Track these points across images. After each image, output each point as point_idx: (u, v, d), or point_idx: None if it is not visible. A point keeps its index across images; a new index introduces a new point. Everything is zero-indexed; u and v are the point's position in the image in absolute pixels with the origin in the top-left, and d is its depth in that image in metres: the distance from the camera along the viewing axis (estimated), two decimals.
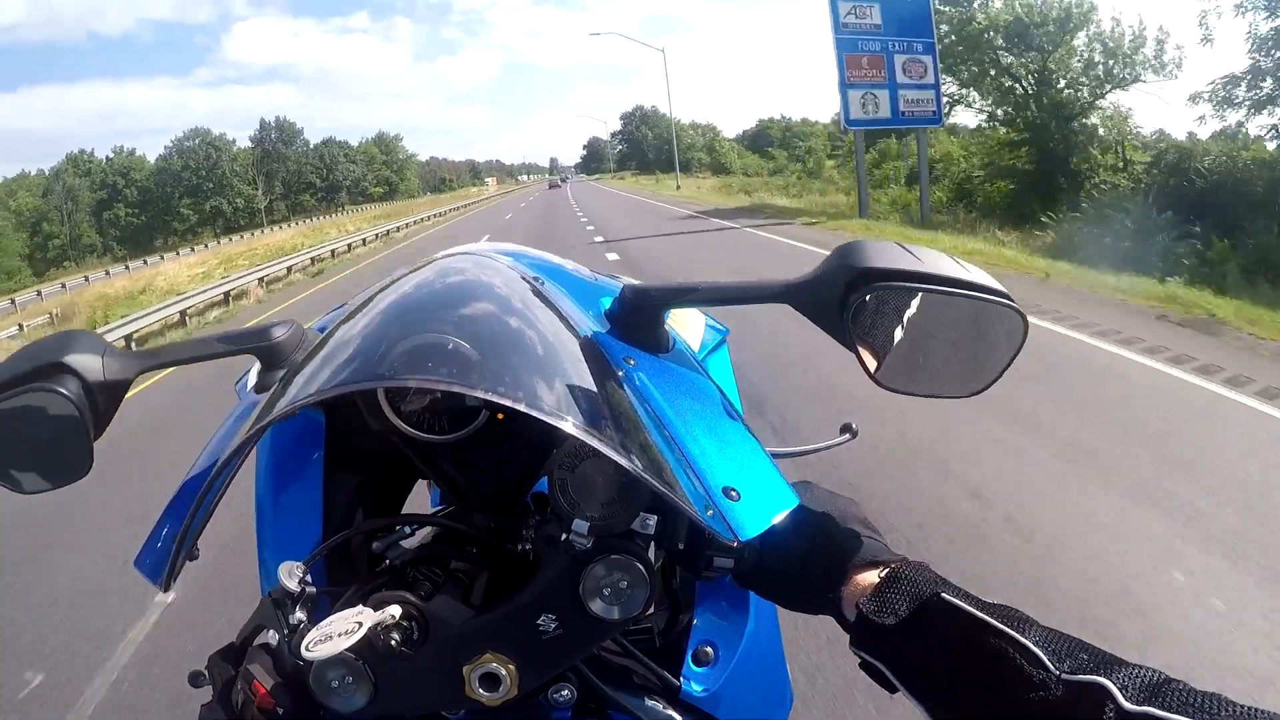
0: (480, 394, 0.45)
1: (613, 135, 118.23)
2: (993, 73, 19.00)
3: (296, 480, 0.67)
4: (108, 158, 67.84)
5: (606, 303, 0.63)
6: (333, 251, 18.75)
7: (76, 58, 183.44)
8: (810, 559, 0.52)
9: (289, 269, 15.85)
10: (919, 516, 2.78)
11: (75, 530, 3.55)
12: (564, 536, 0.48)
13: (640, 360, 0.57)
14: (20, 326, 13.86)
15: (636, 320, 0.60)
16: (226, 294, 12.75)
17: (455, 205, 45.34)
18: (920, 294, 0.50)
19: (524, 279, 0.63)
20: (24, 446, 0.56)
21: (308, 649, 0.44)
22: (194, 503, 0.52)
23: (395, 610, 0.47)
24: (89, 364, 0.54)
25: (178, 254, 34.69)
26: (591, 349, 0.55)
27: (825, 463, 2.97)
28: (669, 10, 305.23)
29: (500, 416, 0.58)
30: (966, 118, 21.07)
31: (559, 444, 0.49)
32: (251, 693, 0.49)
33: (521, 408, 0.45)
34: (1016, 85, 18.79)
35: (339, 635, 0.45)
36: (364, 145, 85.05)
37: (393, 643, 0.47)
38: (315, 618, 0.48)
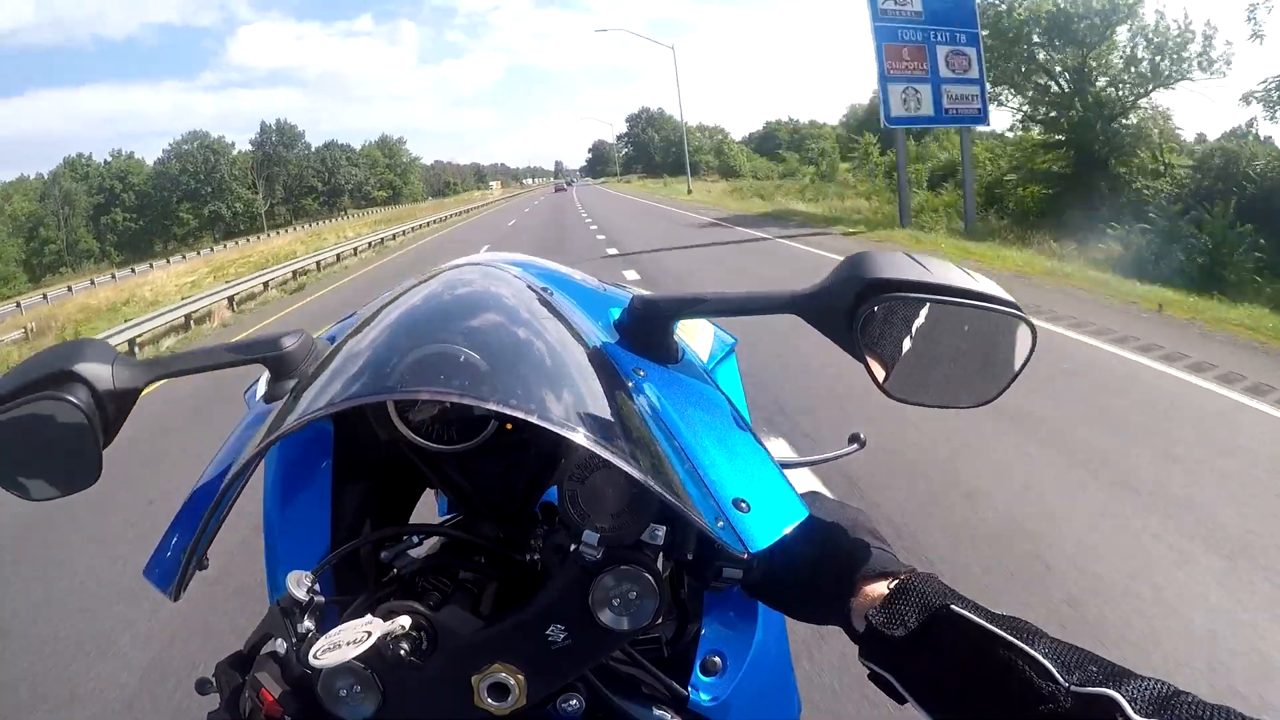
0: (491, 406, 0.46)
1: (618, 138, 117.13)
2: (1024, 69, 17.79)
3: (305, 489, 0.67)
4: (105, 161, 67.79)
5: (615, 313, 0.64)
6: (318, 264, 17.42)
7: (80, 61, 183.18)
8: (819, 570, 0.53)
9: (266, 284, 14.43)
10: None
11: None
12: (574, 547, 0.49)
13: (650, 371, 0.58)
14: None
15: (645, 331, 0.61)
16: (188, 316, 11.36)
17: (457, 210, 45.00)
18: (929, 304, 0.51)
19: (532, 289, 0.64)
20: (33, 454, 0.56)
21: (316, 657, 0.45)
22: (205, 513, 0.53)
23: (404, 620, 0.48)
24: (99, 372, 0.54)
25: (168, 262, 33.67)
26: (601, 359, 0.56)
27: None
28: (674, 13, 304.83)
29: (509, 426, 0.58)
30: (997, 119, 19.90)
31: (568, 454, 0.51)
32: (259, 700, 0.49)
33: (533, 419, 0.45)
34: (1052, 83, 17.64)
35: (348, 644, 0.45)
36: (366, 149, 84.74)
37: (401, 652, 0.48)
38: (323, 627, 0.49)
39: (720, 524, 0.47)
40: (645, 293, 0.64)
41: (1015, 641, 0.42)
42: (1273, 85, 14.31)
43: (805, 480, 2.67)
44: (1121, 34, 16.72)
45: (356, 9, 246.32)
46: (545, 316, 0.58)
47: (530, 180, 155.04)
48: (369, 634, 0.45)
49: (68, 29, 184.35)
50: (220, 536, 0.56)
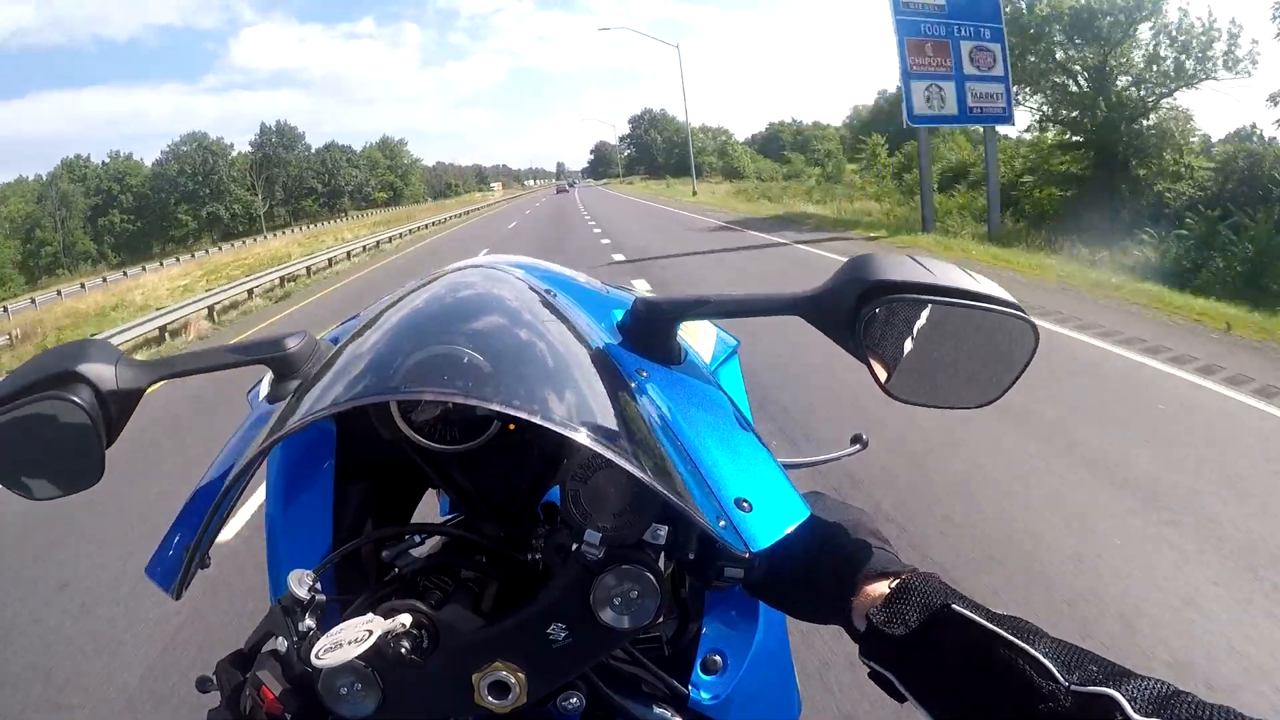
0: (495, 406, 0.46)
1: (621, 139, 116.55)
2: (1042, 67, 17.20)
3: (307, 489, 0.68)
4: (103, 163, 67.47)
5: (618, 315, 0.65)
6: (308, 269, 16.82)
7: (82, 63, 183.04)
8: (820, 569, 0.53)
9: (250, 292, 13.69)
10: None
11: None
12: (575, 546, 0.49)
13: (652, 372, 0.59)
14: None
15: (648, 332, 0.61)
16: (162, 329, 10.57)
17: (457, 211, 44.81)
18: (930, 305, 0.51)
19: (535, 291, 0.64)
20: (36, 453, 0.57)
21: (317, 656, 0.45)
22: (208, 512, 0.54)
23: (406, 619, 0.49)
24: (102, 372, 0.55)
25: (160, 265, 33.06)
26: (604, 360, 0.57)
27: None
28: (676, 14, 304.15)
29: (512, 427, 0.59)
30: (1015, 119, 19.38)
31: (571, 454, 0.51)
32: (260, 699, 0.50)
33: (536, 419, 0.46)
34: (1071, 82, 17.05)
35: (349, 643, 0.46)
36: (367, 150, 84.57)
37: (402, 650, 0.48)
38: (325, 625, 0.49)
39: (722, 523, 0.48)
40: (647, 294, 0.64)
41: (1016, 641, 0.42)
42: None
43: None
44: (1144, 32, 16.51)
45: (359, 11, 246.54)
46: (548, 318, 0.59)
47: (532, 181, 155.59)
48: (370, 632, 0.46)
49: (69, 30, 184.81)
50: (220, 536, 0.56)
